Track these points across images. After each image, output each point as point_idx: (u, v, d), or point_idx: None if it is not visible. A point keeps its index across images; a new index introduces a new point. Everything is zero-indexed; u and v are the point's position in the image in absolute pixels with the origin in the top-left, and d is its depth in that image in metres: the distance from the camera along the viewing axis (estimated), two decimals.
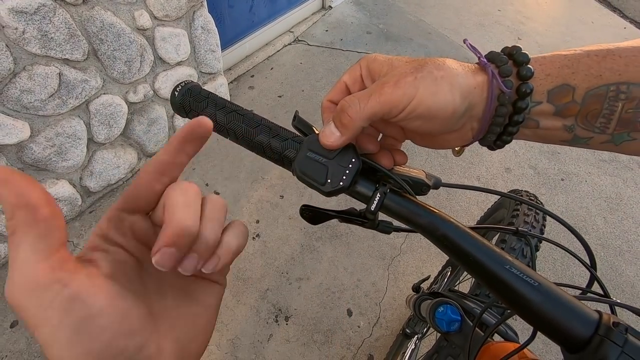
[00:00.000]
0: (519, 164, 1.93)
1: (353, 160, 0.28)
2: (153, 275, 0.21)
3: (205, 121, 0.21)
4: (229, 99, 0.34)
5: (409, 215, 0.29)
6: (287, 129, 0.31)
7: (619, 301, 0.31)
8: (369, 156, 0.31)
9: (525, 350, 0.41)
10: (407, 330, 1.00)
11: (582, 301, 0.26)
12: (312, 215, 0.33)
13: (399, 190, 0.29)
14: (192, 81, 0.33)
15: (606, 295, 0.34)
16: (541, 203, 0.86)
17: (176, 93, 0.32)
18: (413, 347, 1.02)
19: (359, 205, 0.32)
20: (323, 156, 0.28)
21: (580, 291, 0.36)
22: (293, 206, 1.62)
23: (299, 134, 0.31)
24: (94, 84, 1.26)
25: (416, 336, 1.02)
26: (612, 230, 1.69)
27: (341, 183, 0.28)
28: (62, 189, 1.34)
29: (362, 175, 0.29)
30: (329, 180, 0.28)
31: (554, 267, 1.53)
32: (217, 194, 1.63)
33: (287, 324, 1.30)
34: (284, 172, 1.74)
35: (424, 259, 1.50)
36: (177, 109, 0.32)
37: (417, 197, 0.30)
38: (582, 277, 1.50)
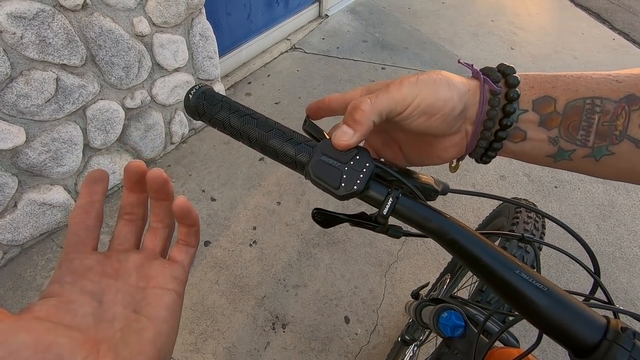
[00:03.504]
0: (514, 172, 1.95)
1: (367, 164, 0.28)
2: (105, 305, 0.23)
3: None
4: None
5: (419, 220, 0.29)
6: (301, 133, 0.31)
7: (622, 308, 0.31)
8: (382, 161, 0.31)
9: (530, 355, 0.41)
10: (406, 337, 0.99)
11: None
12: (324, 219, 0.33)
13: (410, 195, 0.30)
14: (205, 84, 0.33)
15: (610, 302, 0.34)
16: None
17: (190, 96, 0.32)
18: (411, 354, 1.01)
19: (361, 208, 0.32)
20: (337, 160, 0.28)
21: (584, 298, 0.36)
22: (290, 213, 1.62)
23: (310, 138, 0.31)
24: (91, 89, 1.26)
25: (414, 343, 1.01)
26: (605, 237, 1.71)
27: (355, 187, 0.28)
28: (56, 195, 1.33)
29: (374, 180, 0.30)
30: (343, 184, 0.28)
31: (549, 274, 1.54)
32: (214, 200, 1.63)
33: (284, 332, 1.29)
34: (281, 178, 1.73)
35: (421, 266, 1.50)
36: (190, 112, 0.32)
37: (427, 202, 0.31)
38: (577, 283, 1.52)
